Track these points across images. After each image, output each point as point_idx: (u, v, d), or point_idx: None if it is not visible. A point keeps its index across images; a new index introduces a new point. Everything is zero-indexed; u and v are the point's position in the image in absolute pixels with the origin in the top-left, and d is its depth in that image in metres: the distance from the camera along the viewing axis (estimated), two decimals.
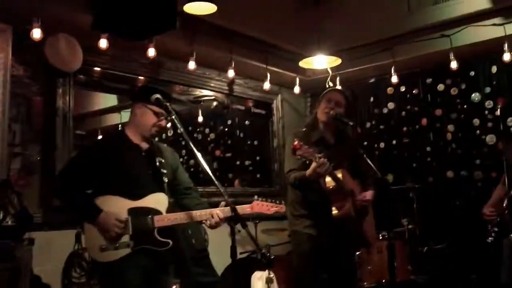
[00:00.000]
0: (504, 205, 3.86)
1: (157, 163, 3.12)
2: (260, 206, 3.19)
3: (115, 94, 4.94)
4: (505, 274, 3.85)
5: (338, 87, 5.42)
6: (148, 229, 2.92)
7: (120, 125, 4.99)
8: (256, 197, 3.22)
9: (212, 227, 3.05)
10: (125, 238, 2.88)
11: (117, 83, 4.70)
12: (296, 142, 3.26)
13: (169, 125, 5.06)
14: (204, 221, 3.06)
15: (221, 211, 3.03)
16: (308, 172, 3.41)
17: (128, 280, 2.88)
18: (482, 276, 4.81)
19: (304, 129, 3.86)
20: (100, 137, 4.61)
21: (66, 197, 3.05)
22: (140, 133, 3.10)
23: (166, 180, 3.11)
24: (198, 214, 3.05)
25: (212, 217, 3.01)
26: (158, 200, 3.02)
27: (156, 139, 3.31)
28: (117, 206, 2.92)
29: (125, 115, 5.09)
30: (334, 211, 3.54)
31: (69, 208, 3.20)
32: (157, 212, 2.99)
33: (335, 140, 3.80)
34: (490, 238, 4.06)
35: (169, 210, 3.06)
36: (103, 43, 4.21)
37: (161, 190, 3.07)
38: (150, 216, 2.94)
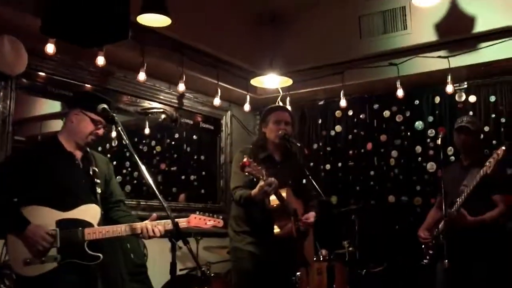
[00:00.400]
0: (440, 229, 3.97)
1: (91, 173, 3.02)
2: (197, 220, 3.18)
3: (59, 101, 4.78)
4: None
5: (280, 103, 5.48)
6: (77, 242, 2.80)
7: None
8: (197, 212, 3.20)
9: (145, 238, 2.99)
10: (52, 252, 2.74)
11: (62, 89, 4.54)
12: (245, 159, 3.26)
13: (114, 135, 5.07)
14: (138, 234, 2.96)
15: (161, 225, 2.97)
16: (254, 191, 3.42)
17: None
18: None
19: (251, 146, 3.87)
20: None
21: None
22: (74, 141, 2.99)
23: (99, 190, 3.02)
24: (129, 227, 2.94)
25: (147, 230, 2.93)
26: (89, 212, 2.91)
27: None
28: (44, 217, 2.77)
29: None
30: (276, 230, 3.55)
31: None
32: (88, 224, 2.87)
33: (282, 159, 3.83)
34: (425, 261, 4.17)
35: (101, 223, 2.94)
36: (50, 48, 4.07)
37: (94, 201, 2.96)
38: (80, 229, 2.82)
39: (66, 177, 2.91)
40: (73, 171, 2.96)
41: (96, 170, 3.06)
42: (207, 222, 3.21)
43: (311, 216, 3.74)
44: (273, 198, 3.49)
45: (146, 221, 2.99)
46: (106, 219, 3.09)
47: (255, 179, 3.35)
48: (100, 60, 4.37)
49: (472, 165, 4.03)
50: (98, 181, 3.03)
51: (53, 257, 2.74)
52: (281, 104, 5.66)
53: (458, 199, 3.84)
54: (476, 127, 4.11)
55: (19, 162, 2.91)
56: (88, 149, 3.10)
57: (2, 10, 3.75)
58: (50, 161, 2.90)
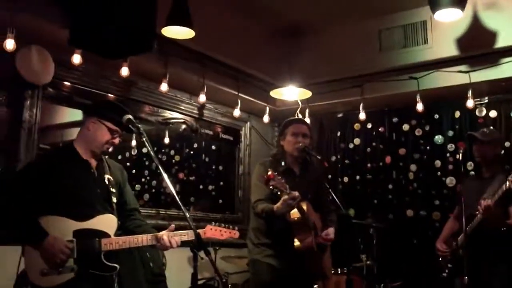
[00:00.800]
0: (459, 242, 3.94)
1: (106, 181, 3.01)
2: (213, 231, 3.19)
3: (84, 111, 4.86)
4: None
5: (299, 116, 5.50)
6: (94, 253, 2.78)
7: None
8: (213, 223, 3.23)
9: (162, 249, 3.00)
10: (69, 262, 2.72)
11: (86, 99, 4.62)
12: (270, 172, 3.28)
13: (134, 143, 5.13)
14: (154, 245, 2.96)
15: (177, 236, 2.97)
16: (277, 206, 3.43)
17: None
18: None
19: (270, 159, 3.89)
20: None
21: (7, 216, 2.77)
22: (90, 149, 2.97)
23: (115, 200, 3.00)
24: (147, 238, 2.94)
25: (163, 241, 2.93)
26: (106, 222, 2.89)
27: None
28: (61, 228, 2.75)
29: None
30: (297, 243, 3.55)
31: (10, 227, 2.87)
32: (105, 234, 2.84)
33: (300, 172, 3.84)
34: (443, 274, 4.15)
35: (117, 233, 2.93)
36: (76, 59, 4.16)
37: (110, 211, 2.95)
38: (97, 239, 2.80)
39: (82, 186, 2.89)
40: (89, 180, 2.94)
41: (111, 178, 3.05)
42: (223, 233, 3.22)
43: (331, 232, 3.75)
44: (294, 211, 3.50)
45: (163, 232, 3.00)
46: (121, 229, 3.07)
47: (278, 193, 3.37)
48: (124, 71, 4.44)
49: (492, 177, 4.02)
50: (113, 190, 3.02)
51: (70, 268, 2.72)
52: (300, 116, 5.69)
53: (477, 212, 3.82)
54: (489, 137, 4.09)
55: (35, 171, 2.87)
56: (103, 157, 3.08)
57: (31, 21, 3.84)
58: (66, 170, 2.88)
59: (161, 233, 3.00)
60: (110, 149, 3.04)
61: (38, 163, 3.09)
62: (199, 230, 3.05)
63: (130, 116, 2.97)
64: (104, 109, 3.04)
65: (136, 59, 4.32)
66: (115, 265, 2.86)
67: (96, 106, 3.23)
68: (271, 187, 3.30)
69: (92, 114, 3.04)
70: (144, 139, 2.87)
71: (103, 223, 2.87)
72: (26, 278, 2.76)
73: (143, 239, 2.94)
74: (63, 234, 2.74)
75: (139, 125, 2.96)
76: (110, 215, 2.93)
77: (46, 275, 2.68)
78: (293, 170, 3.80)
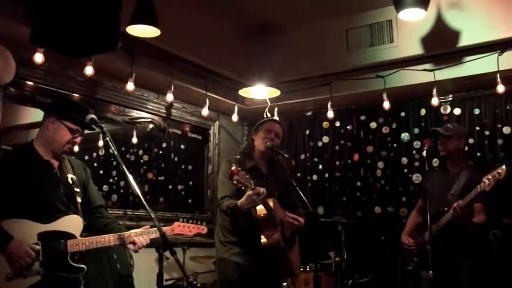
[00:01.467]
0: (426, 237, 4.00)
1: (70, 181, 2.96)
2: (181, 227, 3.21)
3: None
4: None
5: (276, 117, 5.51)
6: (60, 255, 2.75)
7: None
8: (181, 220, 3.25)
9: (133, 249, 2.98)
10: (35, 265, 2.69)
11: (50, 98, 4.52)
12: (234, 167, 3.27)
13: (101, 144, 5.06)
14: (122, 244, 2.94)
15: (146, 234, 2.96)
16: (241, 201, 3.42)
17: None
18: None
19: (238, 156, 3.88)
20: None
21: None
22: (50, 149, 2.92)
23: (79, 200, 2.96)
24: (115, 237, 2.92)
25: (132, 240, 2.92)
26: (71, 223, 2.86)
27: None
28: (25, 231, 2.70)
29: None
30: (263, 240, 3.54)
31: None
32: (71, 236, 2.81)
33: (268, 170, 3.84)
34: (409, 267, 4.21)
35: (83, 234, 2.90)
36: (38, 58, 4.06)
37: (75, 211, 2.91)
38: (62, 241, 2.77)
39: (45, 188, 2.84)
40: (51, 180, 2.89)
41: (74, 178, 2.99)
42: (191, 229, 3.23)
43: (302, 220, 3.76)
44: (260, 207, 3.50)
45: (131, 231, 2.99)
46: (89, 228, 3.04)
47: (243, 188, 3.36)
48: (89, 70, 4.36)
49: (458, 173, 4.10)
50: (78, 189, 2.98)
51: (36, 271, 2.68)
52: (269, 115, 5.69)
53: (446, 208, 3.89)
54: (452, 132, 4.17)
55: None
56: (64, 156, 3.03)
57: None
58: (27, 171, 2.82)
59: (129, 232, 2.98)
60: (72, 149, 2.99)
61: None
62: (167, 227, 3.10)
63: (94, 116, 2.95)
64: (63, 107, 2.98)
65: (101, 58, 4.25)
66: (82, 266, 2.85)
67: (54, 105, 3.14)
68: (235, 182, 3.29)
69: (50, 113, 2.97)
70: (107, 138, 2.86)
71: (68, 224, 2.84)
72: None
73: (110, 239, 2.92)
74: (27, 237, 2.69)
75: (103, 125, 2.94)
76: (75, 215, 2.90)
77: (12, 279, 2.64)
78: (259, 168, 3.81)
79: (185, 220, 3.24)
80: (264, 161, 3.84)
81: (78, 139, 2.97)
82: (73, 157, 3.22)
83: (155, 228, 2.89)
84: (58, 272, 2.75)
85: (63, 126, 2.91)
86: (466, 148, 4.54)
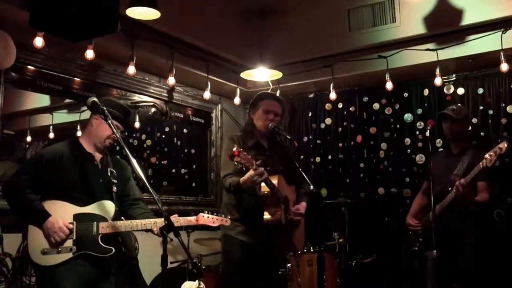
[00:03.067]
0: (429, 219, 4.01)
1: (108, 173, 3.23)
2: (205, 219, 3.37)
3: (49, 95, 4.76)
4: (430, 286, 4.01)
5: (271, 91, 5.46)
6: (92, 235, 3.01)
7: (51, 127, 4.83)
8: (206, 212, 3.39)
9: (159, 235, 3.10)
10: (68, 243, 2.95)
11: (51, 83, 4.53)
12: (235, 148, 3.28)
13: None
14: (150, 230, 3.17)
15: (160, 221, 3.09)
16: (242, 179, 3.44)
17: (66, 286, 2.92)
18: None
19: (240, 134, 3.88)
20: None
21: (15, 199, 3.03)
22: (93, 143, 3.22)
23: (115, 189, 3.22)
24: (142, 223, 3.14)
25: (154, 226, 3.14)
26: (104, 208, 3.11)
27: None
28: (62, 211, 2.99)
29: (57, 116, 4.92)
30: (266, 216, 3.56)
31: (17, 210, 3.14)
32: (103, 219, 3.08)
33: (270, 145, 3.83)
34: (414, 248, 4.23)
35: (115, 219, 3.14)
36: (38, 42, 4.05)
37: (109, 198, 3.16)
38: (95, 223, 3.03)
39: (85, 176, 3.12)
40: (92, 170, 3.18)
41: (114, 171, 3.28)
42: (215, 221, 3.40)
43: (302, 207, 3.77)
44: (263, 185, 3.52)
45: (158, 219, 3.17)
46: (126, 217, 3.30)
47: (244, 168, 3.37)
48: (89, 54, 4.35)
49: (461, 153, 4.09)
50: (115, 181, 3.25)
51: (68, 248, 2.95)
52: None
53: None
54: (461, 115, 4.16)
55: (43, 162, 3.08)
56: (108, 152, 3.33)
57: None
58: (72, 161, 3.12)
59: (154, 219, 3.19)
60: (112, 144, 3.27)
61: (46, 154, 3.19)
62: (191, 218, 3.34)
63: (95, 98, 3.10)
64: (108, 108, 3.17)
65: (101, 42, 4.24)
66: (111, 247, 3.08)
67: (100, 104, 3.31)
68: (235, 163, 3.29)
69: (96, 112, 3.20)
70: (109, 121, 2.96)
71: (102, 209, 3.11)
72: (28, 257, 3.01)
73: (137, 223, 3.15)
74: (64, 217, 2.98)
75: (104, 108, 3.02)
76: (109, 201, 3.15)
77: (46, 254, 2.92)
78: (262, 144, 3.80)
79: (209, 212, 3.40)
80: (265, 138, 3.83)
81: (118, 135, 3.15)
82: (118, 156, 3.51)
83: (179, 218, 3.21)
84: (89, 251, 3.00)
85: (105, 123, 3.08)
86: (470, 128, 4.53)
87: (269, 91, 5.70)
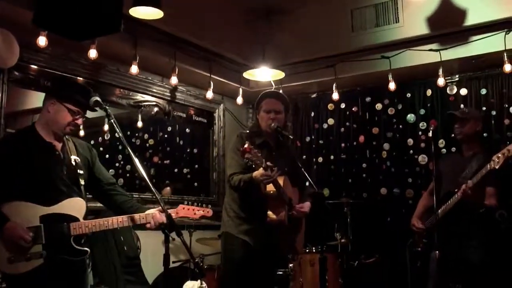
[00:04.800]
0: (434, 219, 4.00)
1: (73, 163, 2.92)
2: (185, 210, 3.16)
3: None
4: (432, 286, 3.99)
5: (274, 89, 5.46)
6: (63, 238, 2.73)
7: None
8: (186, 202, 3.20)
9: (151, 228, 2.91)
10: (38, 248, 2.67)
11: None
12: (247, 145, 3.26)
13: (106, 128, 5.07)
14: (131, 226, 2.92)
15: (160, 214, 2.88)
16: (255, 174, 3.42)
17: None
18: None
19: (248, 131, 3.88)
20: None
21: None
22: (52, 131, 2.87)
23: (83, 182, 2.92)
24: (118, 220, 2.87)
25: (153, 217, 2.87)
26: (74, 206, 2.82)
27: None
28: (28, 214, 2.68)
29: None
30: (270, 216, 3.54)
31: None
32: (74, 218, 2.79)
33: (276, 146, 3.83)
34: (418, 249, 4.22)
35: (86, 216, 2.87)
36: (42, 41, 4.06)
37: (78, 194, 2.88)
38: (65, 224, 2.74)
39: (47, 170, 2.80)
40: (54, 163, 2.85)
41: (78, 159, 2.95)
42: (196, 211, 3.19)
43: (306, 206, 3.76)
44: (269, 185, 3.50)
45: (150, 210, 2.95)
46: (108, 206, 3.07)
47: (253, 165, 3.35)
48: (92, 53, 4.35)
49: (472, 156, 4.07)
50: (81, 171, 2.93)
51: (39, 254, 2.67)
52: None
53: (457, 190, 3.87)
54: (470, 115, 4.14)
55: None
56: (67, 137, 2.98)
57: None
58: (29, 153, 2.78)
59: (133, 214, 2.93)
60: (74, 130, 2.95)
61: (1, 149, 2.89)
62: (171, 210, 3.04)
63: (98, 98, 2.90)
64: (64, 89, 2.94)
65: (105, 41, 4.23)
66: (86, 248, 2.82)
67: (55, 87, 3.14)
68: (246, 159, 3.28)
69: (51, 95, 2.93)
70: (112, 120, 2.83)
71: (71, 207, 2.81)
72: None
73: (113, 221, 2.87)
74: (30, 220, 2.68)
75: (107, 107, 2.91)
76: (78, 198, 2.86)
77: (14, 262, 2.63)
78: (269, 143, 3.79)
79: (190, 203, 3.20)
80: (272, 138, 3.83)
81: (80, 121, 2.92)
82: (79, 139, 3.18)
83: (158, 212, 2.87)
84: (61, 255, 2.74)
85: (64, 108, 2.85)
86: (483, 132, 4.51)
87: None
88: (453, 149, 5.05)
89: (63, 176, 2.85)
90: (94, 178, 3.05)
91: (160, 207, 2.85)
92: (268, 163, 3.35)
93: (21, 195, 2.70)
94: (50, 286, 2.72)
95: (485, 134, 5.15)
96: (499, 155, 3.66)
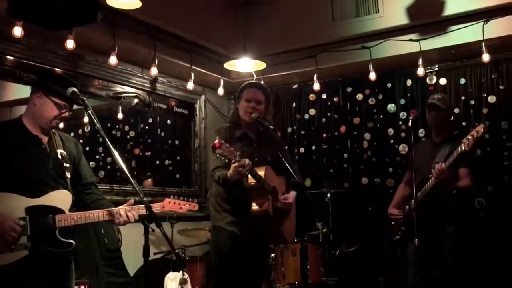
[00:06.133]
0: (411, 207, 4.04)
1: (59, 156, 2.91)
2: (172, 204, 3.16)
3: (29, 85, 4.70)
4: (412, 275, 4.04)
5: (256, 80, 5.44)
6: (48, 230, 2.72)
7: None
8: (172, 196, 3.19)
9: (120, 224, 2.93)
10: (23, 240, 2.65)
11: (31, 73, 4.45)
12: (216, 141, 3.22)
13: (86, 120, 5.01)
14: (111, 220, 2.89)
15: (135, 210, 2.91)
16: (229, 173, 3.41)
17: (26, 286, 2.67)
18: (390, 278, 5.02)
19: (228, 125, 3.85)
20: None
21: None
22: (38, 125, 2.86)
23: (69, 175, 2.91)
24: (104, 213, 2.87)
25: (120, 215, 2.87)
26: (60, 198, 2.82)
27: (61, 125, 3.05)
28: (13, 205, 2.67)
29: None
30: (253, 208, 3.54)
31: None
32: (59, 210, 2.78)
33: (257, 136, 3.80)
34: (397, 237, 4.27)
35: (72, 209, 2.85)
36: (17, 31, 3.98)
37: (64, 186, 2.87)
38: (51, 216, 2.73)
39: (34, 162, 2.80)
40: (40, 155, 2.84)
41: (64, 153, 2.95)
42: (182, 206, 3.20)
43: (291, 197, 3.75)
44: (250, 177, 3.48)
45: (120, 207, 2.94)
46: (77, 203, 3.00)
47: (227, 160, 3.34)
48: (70, 44, 4.29)
49: (443, 142, 4.12)
50: (67, 165, 2.92)
51: (23, 245, 2.65)
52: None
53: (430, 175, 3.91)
54: (446, 104, 4.19)
55: None
56: (54, 130, 2.97)
57: None
58: (16, 146, 2.78)
59: (118, 207, 2.94)
60: (61, 124, 2.95)
61: None
62: (157, 204, 3.05)
63: (74, 89, 2.86)
64: (50, 82, 2.91)
65: (82, 31, 4.18)
66: (71, 241, 2.82)
67: (41, 80, 3.07)
68: (217, 155, 3.26)
69: (37, 88, 2.91)
70: (89, 111, 2.79)
71: (57, 199, 2.80)
72: None
73: (99, 214, 2.87)
74: (15, 211, 2.66)
75: (84, 98, 2.88)
76: (64, 190, 2.85)
77: None
78: (249, 135, 3.77)
79: (175, 196, 3.20)
80: (252, 129, 3.80)
81: (66, 114, 2.90)
82: (65, 133, 3.17)
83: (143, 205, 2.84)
84: (46, 246, 2.72)
85: (50, 101, 2.84)
86: (452, 118, 4.58)
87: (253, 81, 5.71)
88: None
89: (49, 169, 2.84)
90: (76, 174, 3.04)
91: (131, 200, 2.89)
92: (239, 154, 3.32)
93: (7, 187, 2.69)
94: (34, 278, 2.70)
95: (464, 123, 5.22)
96: (469, 137, 3.72)
